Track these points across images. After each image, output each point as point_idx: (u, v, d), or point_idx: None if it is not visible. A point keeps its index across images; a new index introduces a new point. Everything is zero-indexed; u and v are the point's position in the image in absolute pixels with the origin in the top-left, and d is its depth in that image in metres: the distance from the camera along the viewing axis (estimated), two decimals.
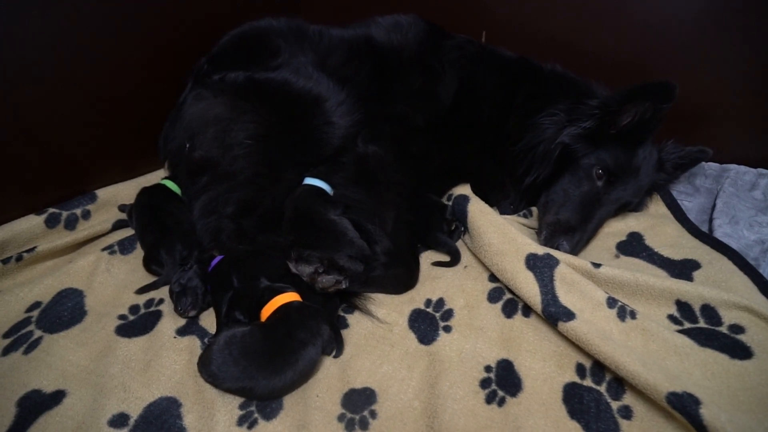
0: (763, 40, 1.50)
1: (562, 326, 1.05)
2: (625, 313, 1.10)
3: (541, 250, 1.20)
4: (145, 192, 1.43)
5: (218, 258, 1.25)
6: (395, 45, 1.61)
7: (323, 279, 1.14)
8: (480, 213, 1.34)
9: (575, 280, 1.14)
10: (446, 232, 1.40)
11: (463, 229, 1.40)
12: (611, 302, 1.12)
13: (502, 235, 1.25)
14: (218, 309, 1.15)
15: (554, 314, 1.07)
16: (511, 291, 1.21)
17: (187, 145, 1.41)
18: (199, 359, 1.01)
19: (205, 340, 1.11)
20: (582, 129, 1.38)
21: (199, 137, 1.38)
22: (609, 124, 1.36)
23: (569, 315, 1.05)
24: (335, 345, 1.07)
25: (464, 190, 1.47)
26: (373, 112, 1.48)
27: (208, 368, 0.98)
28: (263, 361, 0.97)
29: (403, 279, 1.26)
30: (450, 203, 1.46)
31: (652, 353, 1.02)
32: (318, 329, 1.02)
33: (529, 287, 1.13)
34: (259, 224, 1.34)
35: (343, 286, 1.15)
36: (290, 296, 1.08)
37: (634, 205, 1.47)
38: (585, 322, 1.04)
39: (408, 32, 1.63)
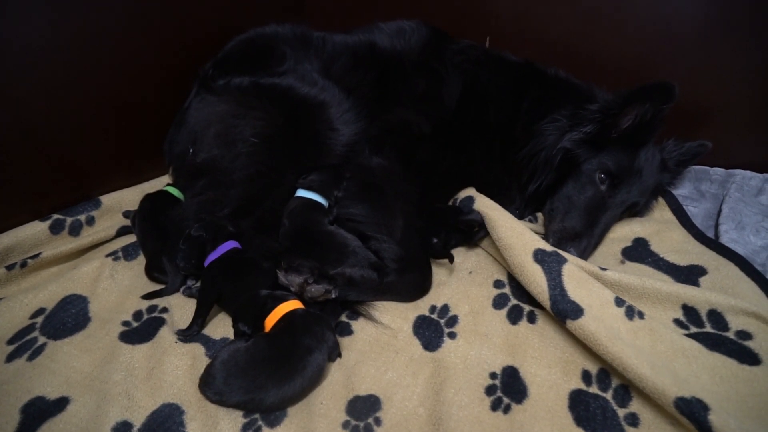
0: None
1: (570, 324, 1.04)
2: (633, 313, 1.08)
3: (549, 247, 1.19)
4: (147, 198, 1.43)
5: (220, 251, 1.23)
6: (398, 50, 1.61)
7: (312, 289, 1.13)
8: (486, 208, 1.34)
9: (583, 278, 1.13)
10: (442, 239, 1.38)
11: (485, 233, 1.35)
12: (619, 302, 1.11)
13: (509, 230, 1.24)
14: (200, 305, 1.16)
15: (563, 311, 1.06)
16: (516, 297, 1.21)
17: (191, 150, 1.42)
18: (201, 380, 0.99)
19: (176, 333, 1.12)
20: (583, 134, 1.37)
21: (201, 137, 1.38)
22: (610, 128, 1.35)
23: (578, 311, 1.04)
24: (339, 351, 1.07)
25: (468, 191, 1.47)
26: (377, 119, 1.48)
27: (212, 385, 0.97)
28: (271, 369, 0.96)
29: (417, 284, 1.25)
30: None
31: (660, 354, 1.01)
32: (323, 335, 1.01)
33: (537, 281, 1.12)
34: (256, 226, 1.34)
35: (333, 296, 1.14)
36: (293, 304, 1.07)
37: (640, 207, 1.46)
38: (594, 319, 1.02)
39: (411, 37, 1.63)
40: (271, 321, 1.04)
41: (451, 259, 1.28)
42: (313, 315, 1.07)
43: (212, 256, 1.22)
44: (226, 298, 1.17)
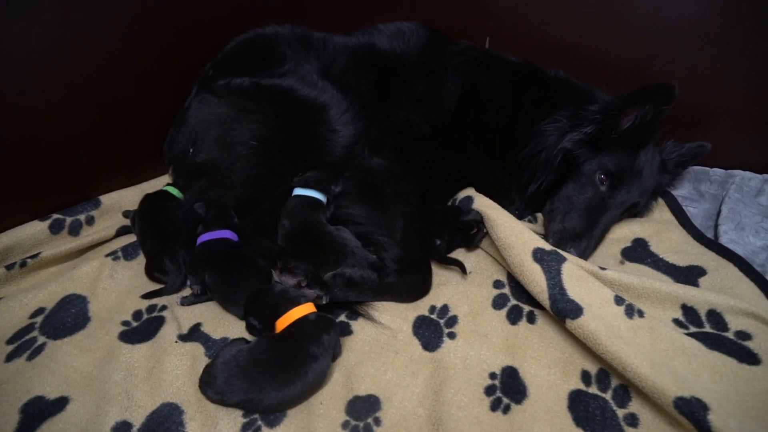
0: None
1: (570, 323, 1.04)
2: (633, 311, 1.08)
3: (548, 246, 1.19)
4: (147, 198, 1.43)
5: (210, 236, 1.24)
6: (398, 52, 1.61)
7: (304, 292, 1.13)
8: (485, 207, 1.34)
9: (583, 277, 1.13)
10: (445, 241, 1.38)
11: (485, 231, 1.34)
12: (619, 300, 1.11)
13: (509, 229, 1.24)
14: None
15: (562, 310, 1.06)
16: (515, 297, 1.21)
17: (191, 150, 1.42)
18: (201, 380, 0.98)
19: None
20: (584, 134, 1.38)
21: (202, 139, 1.38)
22: (610, 129, 1.36)
23: (577, 310, 1.04)
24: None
25: (468, 191, 1.47)
26: (377, 120, 1.48)
27: (214, 385, 0.96)
28: (272, 371, 0.96)
29: (417, 285, 1.25)
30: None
31: (660, 353, 1.01)
32: (330, 343, 1.00)
33: (536, 280, 1.12)
34: (254, 227, 1.34)
35: (324, 302, 1.14)
36: (306, 308, 1.05)
37: (640, 208, 1.47)
38: (593, 318, 1.02)
39: (410, 39, 1.63)
40: (282, 324, 1.03)
41: (464, 269, 1.28)
42: (325, 320, 1.04)
43: (203, 237, 1.24)
44: (212, 290, 1.17)
